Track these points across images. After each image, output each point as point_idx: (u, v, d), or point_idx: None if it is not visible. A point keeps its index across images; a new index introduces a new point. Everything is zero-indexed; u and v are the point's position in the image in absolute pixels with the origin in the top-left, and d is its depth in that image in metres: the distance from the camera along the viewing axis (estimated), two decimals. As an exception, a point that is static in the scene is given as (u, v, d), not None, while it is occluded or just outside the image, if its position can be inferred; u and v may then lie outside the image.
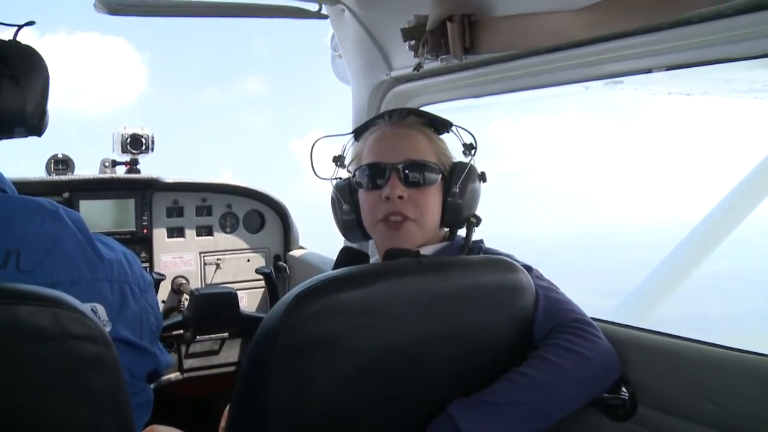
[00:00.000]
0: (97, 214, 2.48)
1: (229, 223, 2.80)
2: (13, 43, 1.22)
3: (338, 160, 1.69)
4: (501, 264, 1.31)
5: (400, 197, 1.50)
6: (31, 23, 1.26)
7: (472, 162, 1.59)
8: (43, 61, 1.24)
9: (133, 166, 2.63)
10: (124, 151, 2.59)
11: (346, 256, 1.57)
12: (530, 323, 1.32)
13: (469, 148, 1.60)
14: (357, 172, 1.60)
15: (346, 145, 1.70)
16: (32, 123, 1.23)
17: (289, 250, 2.89)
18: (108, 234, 2.39)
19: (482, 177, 1.62)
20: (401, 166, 1.52)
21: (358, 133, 1.69)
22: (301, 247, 2.93)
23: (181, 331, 2.38)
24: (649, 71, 1.51)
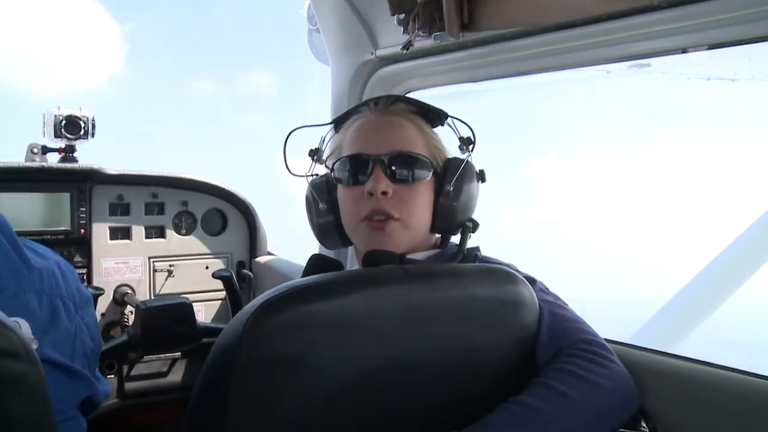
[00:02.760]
0: (22, 209, 2.44)
1: (184, 224, 2.78)
2: None
3: (315, 154, 1.69)
4: (499, 274, 1.31)
5: (384, 193, 1.50)
6: None
7: (469, 158, 1.59)
8: None
9: (68, 153, 2.57)
10: (57, 135, 2.53)
11: (316, 264, 1.56)
12: (532, 344, 1.32)
13: (466, 143, 1.60)
14: (336, 166, 1.60)
15: (324, 137, 1.70)
16: None
17: (255, 257, 2.88)
18: (37, 234, 2.41)
19: (480, 176, 1.62)
20: (387, 159, 1.52)
21: (338, 122, 1.69)
22: (270, 253, 2.92)
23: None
24: (683, 51, 1.51)
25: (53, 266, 1.21)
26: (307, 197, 1.67)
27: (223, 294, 2.66)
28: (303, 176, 1.69)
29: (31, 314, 1.12)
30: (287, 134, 1.67)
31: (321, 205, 1.63)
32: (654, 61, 1.66)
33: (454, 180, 1.55)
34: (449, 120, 1.63)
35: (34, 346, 1.09)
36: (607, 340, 1.35)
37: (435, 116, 1.64)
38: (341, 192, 1.60)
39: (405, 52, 1.92)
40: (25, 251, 1.17)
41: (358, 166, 1.55)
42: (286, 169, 1.68)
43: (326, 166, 1.67)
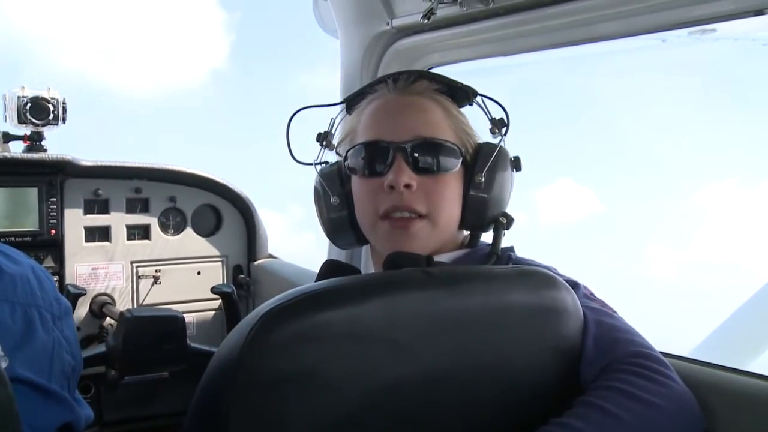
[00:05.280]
0: None
1: (172, 223, 2.80)
2: None
3: (324, 139, 1.71)
4: (537, 278, 1.31)
5: (408, 186, 1.51)
6: None
7: (502, 143, 1.60)
8: None
9: (35, 142, 2.56)
10: (21, 120, 2.51)
11: (330, 270, 1.57)
12: (577, 357, 1.32)
13: (498, 125, 1.61)
14: (350, 154, 1.61)
15: (333, 119, 1.72)
16: None
17: (255, 260, 2.89)
18: (-1, 236, 2.39)
19: (515, 163, 1.63)
20: (409, 146, 1.53)
21: (351, 103, 1.70)
22: (272, 256, 2.93)
23: (103, 369, 2.31)
24: (757, 13, 1.49)
25: (28, 272, 1.20)
26: (316, 188, 1.69)
27: (217, 304, 2.67)
28: (310, 164, 1.70)
29: (2, 327, 1.12)
30: (291, 115, 1.68)
31: (333, 199, 1.64)
32: (721, 26, 1.62)
33: (486, 169, 1.56)
34: (478, 99, 1.64)
35: (3, 364, 1.09)
36: (664, 354, 1.34)
37: (462, 94, 1.64)
38: (356, 184, 1.61)
39: (426, 21, 1.92)
40: None
41: (376, 155, 1.56)
42: (290, 156, 1.69)
43: (337, 153, 1.69)
